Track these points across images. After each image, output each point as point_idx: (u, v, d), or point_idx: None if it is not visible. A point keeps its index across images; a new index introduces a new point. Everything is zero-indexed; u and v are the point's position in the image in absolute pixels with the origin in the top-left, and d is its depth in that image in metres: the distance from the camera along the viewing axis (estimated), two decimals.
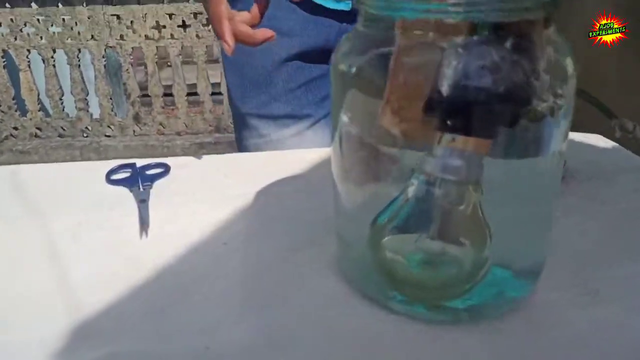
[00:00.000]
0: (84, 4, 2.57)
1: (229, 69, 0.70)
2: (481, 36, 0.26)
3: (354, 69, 0.30)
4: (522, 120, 0.28)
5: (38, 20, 2.59)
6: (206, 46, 2.56)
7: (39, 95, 2.72)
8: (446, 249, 0.31)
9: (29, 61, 2.64)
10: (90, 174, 0.54)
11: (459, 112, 0.27)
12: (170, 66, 2.71)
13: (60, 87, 2.69)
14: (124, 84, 2.68)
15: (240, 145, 0.72)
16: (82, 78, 2.68)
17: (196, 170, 0.55)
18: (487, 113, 0.27)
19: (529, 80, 0.27)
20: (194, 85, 2.68)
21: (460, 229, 0.30)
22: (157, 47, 2.58)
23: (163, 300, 0.35)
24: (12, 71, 2.69)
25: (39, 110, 2.74)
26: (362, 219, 0.31)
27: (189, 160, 0.58)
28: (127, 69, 2.64)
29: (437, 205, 0.29)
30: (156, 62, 2.65)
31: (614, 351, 0.29)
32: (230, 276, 0.37)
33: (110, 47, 2.61)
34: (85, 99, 2.73)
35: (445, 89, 0.27)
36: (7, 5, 2.57)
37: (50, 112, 2.78)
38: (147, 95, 2.71)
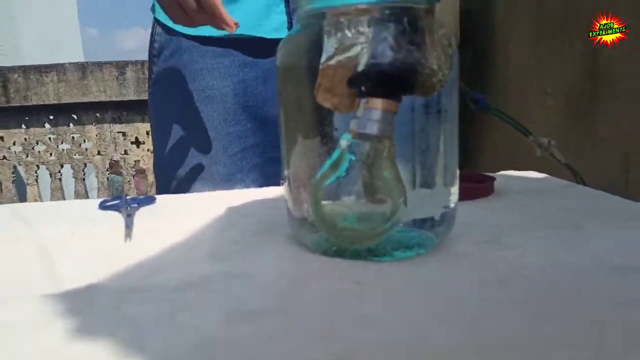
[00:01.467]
0: (94, 124, 2.79)
1: (166, 137, 0.75)
2: (383, 18, 0.36)
3: (299, 62, 0.39)
4: (416, 87, 0.37)
5: (49, 138, 2.79)
6: None
7: None
8: (372, 207, 0.38)
9: (37, 176, 2.79)
10: (84, 205, 0.61)
11: (369, 80, 0.36)
12: None
13: (64, 199, 2.81)
14: (126, 195, 2.80)
15: None
16: (86, 190, 2.81)
17: (181, 201, 0.62)
18: (386, 79, 0.36)
19: (416, 58, 0.36)
20: None
21: (380, 181, 0.37)
22: None
23: (138, 275, 0.40)
24: (19, 184, 2.84)
25: None
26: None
27: (177, 196, 0.65)
28: (129, 181, 2.79)
29: (361, 161, 0.37)
30: None
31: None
32: (200, 256, 0.43)
33: (115, 160, 2.78)
34: None
35: (360, 67, 0.36)
36: (23, 126, 2.78)
37: None
38: None
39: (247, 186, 0.72)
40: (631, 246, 0.37)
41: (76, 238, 0.50)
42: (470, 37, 2.36)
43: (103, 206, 0.59)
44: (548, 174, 0.65)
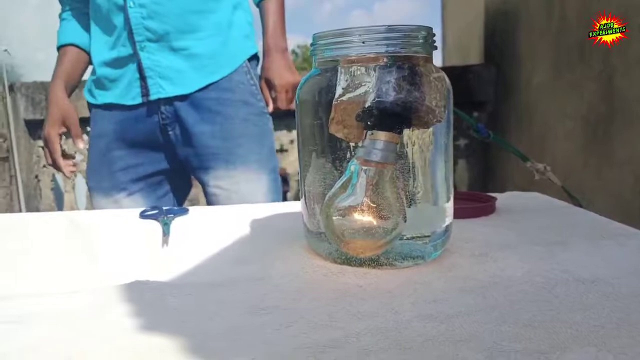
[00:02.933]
0: None
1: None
2: (387, 65, 0.42)
3: (315, 98, 0.46)
4: (415, 122, 0.43)
5: (87, 149, 2.93)
6: None
7: None
8: (376, 222, 0.44)
9: (74, 184, 2.93)
10: (126, 215, 0.69)
11: (374, 115, 0.42)
12: None
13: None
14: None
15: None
16: None
17: (211, 213, 0.69)
18: (389, 115, 0.42)
19: (415, 97, 0.42)
20: None
21: (383, 200, 0.43)
22: None
23: (175, 275, 0.47)
24: (57, 191, 2.99)
25: None
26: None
27: (207, 208, 0.73)
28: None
29: (366, 183, 0.43)
30: None
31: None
32: (227, 260, 0.50)
33: None
34: None
35: (367, 104, 0.43)
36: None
37: None
38: None
39: (133, 193, 1.02)
40: (600, 261, 0.43)
41: (120, 243, 0.58)
42: (494, 57, 2.40)
43: (143, 215, 0.67)
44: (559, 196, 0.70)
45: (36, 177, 2.97)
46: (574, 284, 0.38)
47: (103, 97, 1.01)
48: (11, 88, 2.68)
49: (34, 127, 2.86)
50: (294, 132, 2.73)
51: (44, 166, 2.93)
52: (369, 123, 0.43)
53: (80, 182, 2.96)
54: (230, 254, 0.50)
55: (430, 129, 0.45)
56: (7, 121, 2.72)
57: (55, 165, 1.02)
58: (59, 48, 1.05)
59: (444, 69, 0.46)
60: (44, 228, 0.64)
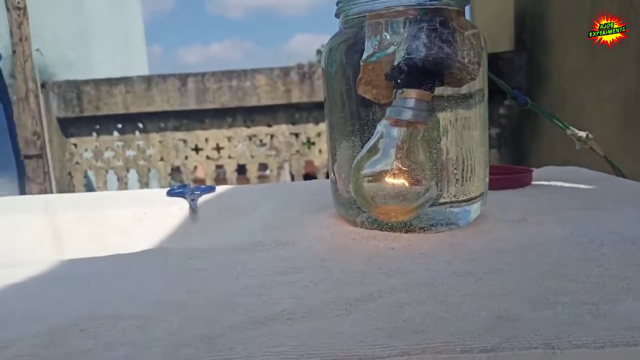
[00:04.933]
0: (157, 132, 2.96)
1: None
2: (417, 19, 0.40)
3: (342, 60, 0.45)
4: (447, 79, 0.41)
5: (118, 145, 2.98)
6: (259, 164, 2.84)
7: None
8: (408, 186, 0.43)
9: (105, 180, 2.99)
10: (154, 193, 0.69)
11: (404, 73, 0.41)
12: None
13: None
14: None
15: None
16: None
17: (238, 190, 0.69)
18: (419, 71, 0.40)
19: (447, 53, 0.40)
20: None
21: (415, 163, 0.42)
22: (215, 165, 2.88)
23: (201, 242, 0.47)
24: (89, 188, 3.05)
25: None
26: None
27: (234, 187, 0.72)
28: (190, 185, 2.93)
29: (397, 144, 0.41)
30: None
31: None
32: (254, 228, 0.49)
33: (176, 166, 2.93)
34: None
35: (396, 62, 0.41)
36: (94, 134, 3.00)
37: None
38: None
39: None
40: None
41: (148, 217, 0.57)
42: (525, 44, 2.34)
43: (170, 193, 0.67)
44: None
45: (69, 174, 3.03)
46: (623, 243, 0.36)
47: None
48: (43, 86, 2.74)
49: (66, 125, 2.93)
50: (321, 125, 2.73)
51: (77, 163, 2.99)
52: (398, 81, 0.41)
53: (112, 179, 3.02)
54: (258, 223, 0.49)
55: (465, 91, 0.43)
56: (40, 119, 2.78)
57: None
58: None
59: None
60: (71, 205, 0.64)
